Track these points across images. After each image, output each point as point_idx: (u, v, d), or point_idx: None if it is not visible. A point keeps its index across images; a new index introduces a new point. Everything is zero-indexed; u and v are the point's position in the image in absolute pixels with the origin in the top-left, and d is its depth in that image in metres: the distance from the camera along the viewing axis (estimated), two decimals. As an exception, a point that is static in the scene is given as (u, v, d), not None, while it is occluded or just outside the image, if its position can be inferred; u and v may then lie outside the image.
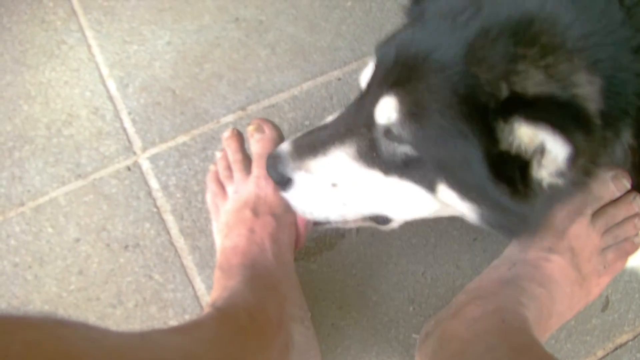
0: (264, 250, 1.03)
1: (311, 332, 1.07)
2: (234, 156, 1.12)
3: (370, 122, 0.91)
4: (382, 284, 1.23)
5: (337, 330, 1.19)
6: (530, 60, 0.80)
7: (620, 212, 1.01)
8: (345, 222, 1.02)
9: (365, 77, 0.95)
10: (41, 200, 1.29)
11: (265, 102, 1.41)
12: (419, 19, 0.91)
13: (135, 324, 1.19)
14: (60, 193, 1.29)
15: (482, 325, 0.92)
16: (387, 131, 0.88)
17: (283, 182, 0.97)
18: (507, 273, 1.00)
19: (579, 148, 0.74)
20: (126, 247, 1.25)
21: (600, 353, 1.20)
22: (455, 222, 1.27)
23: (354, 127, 0.93)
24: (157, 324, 1.19)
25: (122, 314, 1.20)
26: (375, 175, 0.93)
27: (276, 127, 1.11)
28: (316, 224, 1.05)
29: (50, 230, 1.26)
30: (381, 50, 0.92)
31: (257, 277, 1.00)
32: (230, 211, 1.09)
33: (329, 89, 1.43)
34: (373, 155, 0.92)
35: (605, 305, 1.22)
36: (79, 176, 1.31)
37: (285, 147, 0.98)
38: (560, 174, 0.79)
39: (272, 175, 0.98)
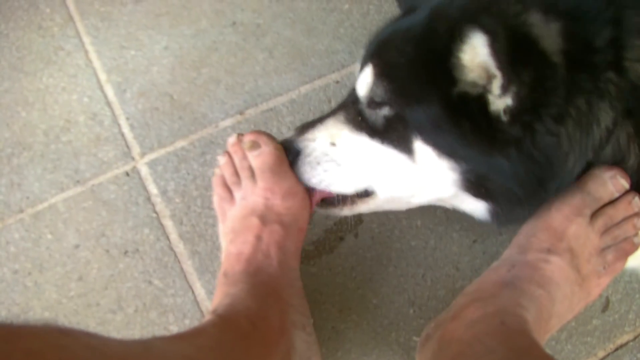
0: (269, 258, 1.03)
1: (313, 338, 1.07)
2: (241, 163, 1.11)
3: (356, 98, 1.05)
4: (382, 286, 1.23)
5: (337, 334, 1.19)
6: (483, 8, 0.85)
7: (619, 212, 1.01)
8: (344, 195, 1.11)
9: (357, 67, 1.08)
10: (40, 206, 1.29)
11: (263, 106, 1.41)
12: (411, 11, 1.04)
13: (136, 330, 1.19)
14: (59, 199, 1.29)
15: (482, 327, 0.92)
16: (370, 102, 1.00)
17: (294, 154, 1.10)
18: (507, 275, 1.00)
19: (495, 33, 0.80)
20: (125, 252, 1.25)
21: (601, 354, 1.20)
22: (454, 224, 1.27)
23: (345, 104, 1.10)
24: (158, 330, 1.19)
25: (122, 319, 1.20)
26: (362, 139, 1.04)
27: (272, 139, 1.10)
28: (324, 203, 1.14)
29: (49, 236, 1.26)
30: (370, 40, 1.07)
31: (260, 284, 1.00)
32: (237, 217, 1.09)
33: (327, 92, 1.43)
34: (359, 120, 1.04)
35: (606, 306, 1.22)
36: (77, 182, 1.31)
37: (291, 134, 1.13)
38: (503, 87, 0.84)
39: (288, 156, 1.11)
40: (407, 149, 0.97)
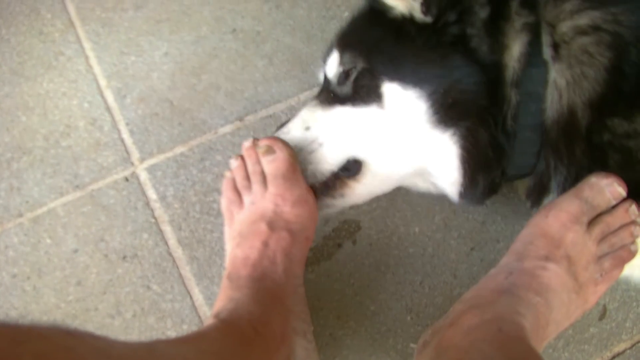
0: (275, 264, 1.03)
1: (312, 345, 1.07)
2: (253, 167, 1.11)
3: (326, 85, 1.16)
4: (379, 293, 1.23)
5: (335, 340, 1.20)
6: None
7: (616, 220, 1.01)
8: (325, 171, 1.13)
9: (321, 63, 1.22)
10: (39, 211, 1.29)
11: (263, 113, 1.41)
12: None
13: (134, 335, 1.20)
14: (58, 204, 1.30)
15: (479, 334, 0.91)
16: (340, 76, 1.10)
17: None
18: (504, 282, 1.00)
19: None
20: (124, 257, 1.25)
21: (597, 362, 1.20)
22: (452, 231, 1.28)
23: (316, 95, 1.19)
24: (156, 335, 1.20)
25: (121, 324, 1.20)
26: (334, 111, 1.11)
27: (286, 145, 1.10)
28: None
29: (48, 241, 1.26)
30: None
31: (264, 289, 1.00)
32: (245, 221, 1.09)
33: (326, 99, 1.43)
34: (331, 96, 1.13)
35: (603, 314, 1.23)
36: (77, 187, 1.32)
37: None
38: None
39: None
40: (376, 96, 1.05)
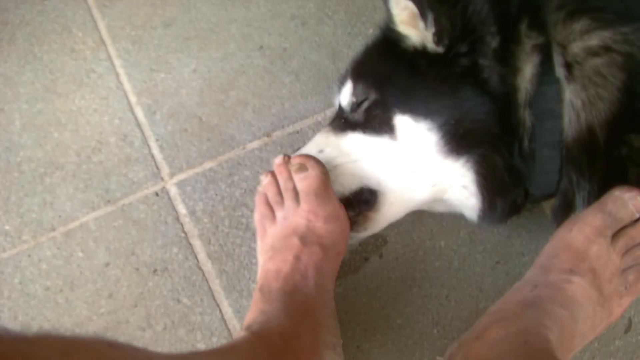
0: (306, 279, 1.05)
1: (341, 358, 1.08)
2: (285, 184, 1.13)
3: (340, 113, 1.19)
4: (406, 306, 1.25)
5: (362, 353, 1.21)
6: None
7: (640, 233, 1.02)
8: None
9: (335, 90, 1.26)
10: (72, 225, 1.32)
11: (290, 129, 1.43)
12: None
13: (164, 347, 1.21)
14: (90, 218, 1.32)
15: (505, 346, 0.92)
16: (353, 105, 1.14)
17: None
18: (529, 295, 1.00)
19: None
20: (155, 271, 1.27)
21: (623, 375, 1.20)
22: (477, 245, 1.29)
23: (330, 122, 1.23)
24: (186, 347, 1.21)
25: (151, 336, 1.22)
26: (346, 136, 1.15)
27: (319, 163, 1.11)
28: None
29: (80, 254, 1.29)
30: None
31: (295, 303, 1.01)
32: (277, 235, 1.11)
33: (352, 115, 1.44)
34: (342, 122, 1.17)
35: (628, 327, 1.23)
36: (108, 202, 1.34)
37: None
38: (421, 16, 1.01)
39: None
40: (388, 127, 1.07)
